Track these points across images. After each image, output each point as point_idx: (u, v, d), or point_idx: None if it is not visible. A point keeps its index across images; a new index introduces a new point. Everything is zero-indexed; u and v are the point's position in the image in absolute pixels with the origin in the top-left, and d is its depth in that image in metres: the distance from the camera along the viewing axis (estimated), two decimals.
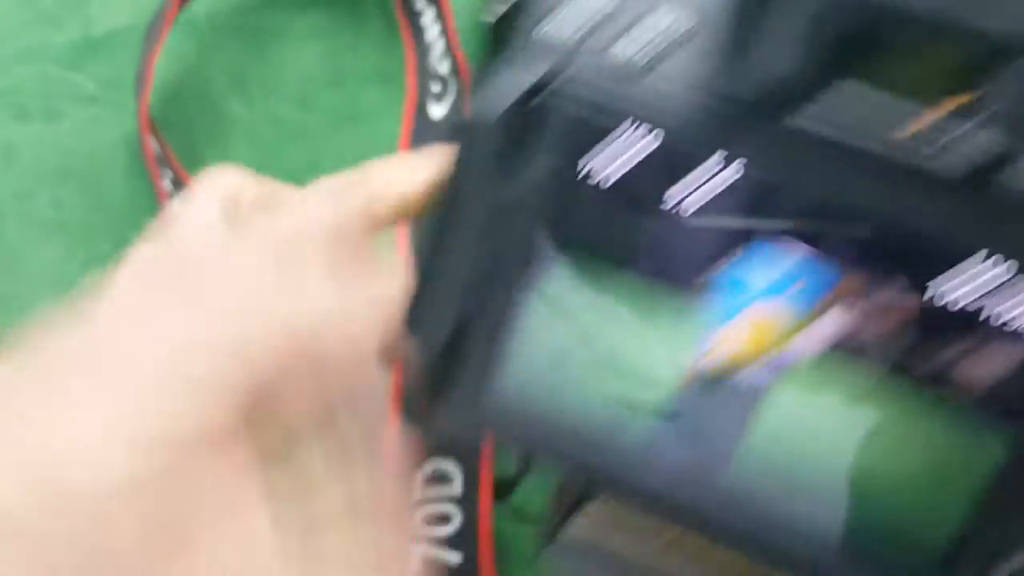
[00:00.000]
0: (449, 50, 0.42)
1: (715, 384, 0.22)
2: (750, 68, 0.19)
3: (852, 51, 0.18)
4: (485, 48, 0.22)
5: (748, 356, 0.22)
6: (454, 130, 0.22)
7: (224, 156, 0.45)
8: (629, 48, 0.20)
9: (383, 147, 0.44)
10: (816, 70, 0.18)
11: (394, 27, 0.44)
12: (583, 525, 0.24)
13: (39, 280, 0.45)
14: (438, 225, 0.23)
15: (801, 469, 0.22)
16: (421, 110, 0.43)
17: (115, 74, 0.44)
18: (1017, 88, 0.17)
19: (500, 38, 0.22)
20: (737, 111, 0.19)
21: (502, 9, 0.22)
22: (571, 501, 0.24)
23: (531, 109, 0.21)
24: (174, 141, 0.45)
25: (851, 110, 0.18)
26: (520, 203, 0.22)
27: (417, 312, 0.24)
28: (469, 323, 0.23)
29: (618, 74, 0.20)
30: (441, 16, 0.42)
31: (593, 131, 0.20)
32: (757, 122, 0.19)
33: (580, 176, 0.21)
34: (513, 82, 0.21)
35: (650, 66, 0.20)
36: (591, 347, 0.23)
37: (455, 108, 0.42)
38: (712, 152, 0.20)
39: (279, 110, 0.45)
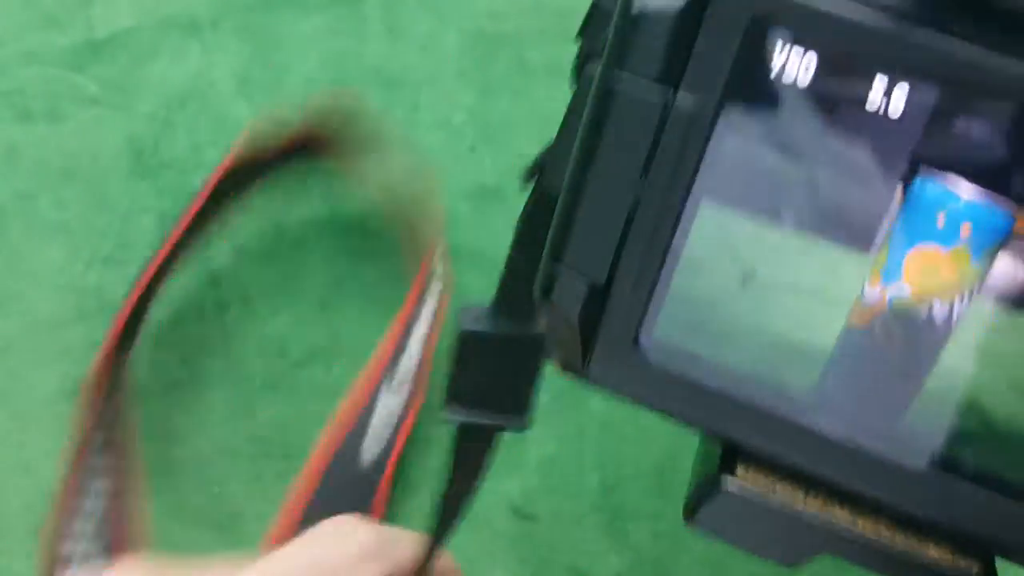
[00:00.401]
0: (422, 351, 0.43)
1: (890, 322, 0.21)
2: None
3: None
4: None
5: (920, 296, 0.21)
6: (616, 29, 0.20)
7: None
8: None
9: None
10: None
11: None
12: (739, 483, 0.22)
13: (41, 280, 0.45)
14: (588, 145, 0.21)
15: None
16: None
17: (117, 76, 0.44)
18: None
19: None
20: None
21: None
22: (723, 460, 0.23)
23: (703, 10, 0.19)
24: (177, 144, 0.45)
25: None
26: (695, 115, 0.20)
27: (572, 249, 0.22)
28: (628, 259, 0.21)
29: None
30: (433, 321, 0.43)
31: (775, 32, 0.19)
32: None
33: (768, 75, 0.19)
34: None
35: None
36: (754, 287, 0.21)
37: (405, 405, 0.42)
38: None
39: (281, 112, 0.45)
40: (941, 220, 0.20)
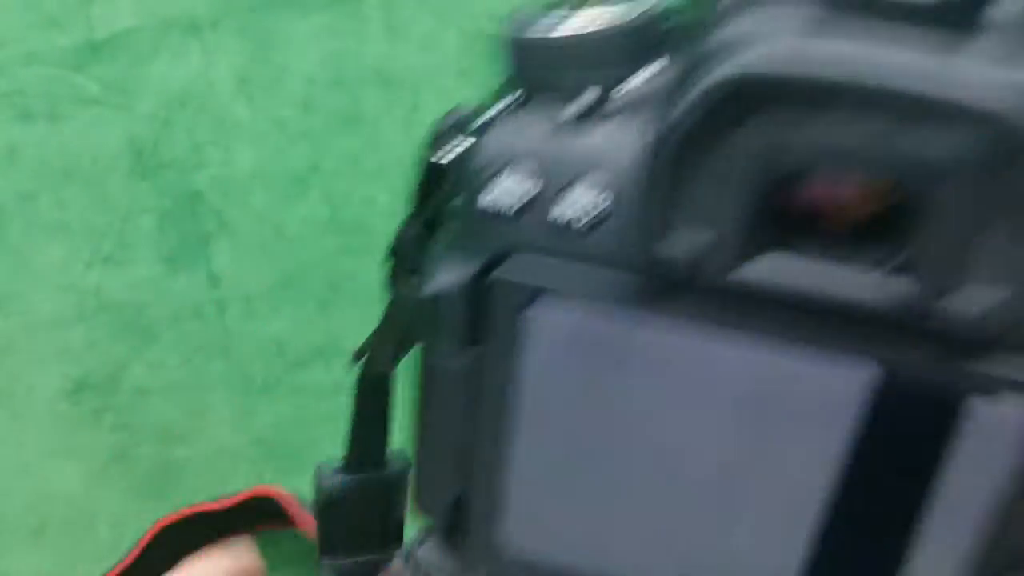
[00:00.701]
0: None
1: None
2: (676, 237, 0.20)
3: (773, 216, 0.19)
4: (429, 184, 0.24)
5: None
6: (417, 308, 0.23)
7: (227, 158, 0.45)
8: (567, 212, 0.21)
9: (383, 148, 0.45)
10: (742, 236, 0.19)
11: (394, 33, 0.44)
12: None
13: (42, 280, 0.45)
14: (421, 406, 0.25)
15: None
16: None
17: (117, 76, 0.44)
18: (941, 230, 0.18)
19: (442, 183, 0.23)
20: (674, 273, 0.20)
21: (449, 156, 0.23)
22: None
23: (488, 280, 0.22)
24: (177, 144, 0.45)
25: (786, 267, 0.20)
26: (492, 367, 0.23)
27: (422, 493, 0.25)
28: (469, 489, 0.25)
29: (562, 236, 0.21)
30: None
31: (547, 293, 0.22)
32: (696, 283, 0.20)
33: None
34: (467, 255, 0.22)
35: (588, 229, 0.21)
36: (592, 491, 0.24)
37: None
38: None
39: (282, 112, 0.45)
40: None
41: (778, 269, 0.19)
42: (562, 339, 0.22)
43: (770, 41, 0.18)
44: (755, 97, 0.18)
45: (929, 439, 0.20)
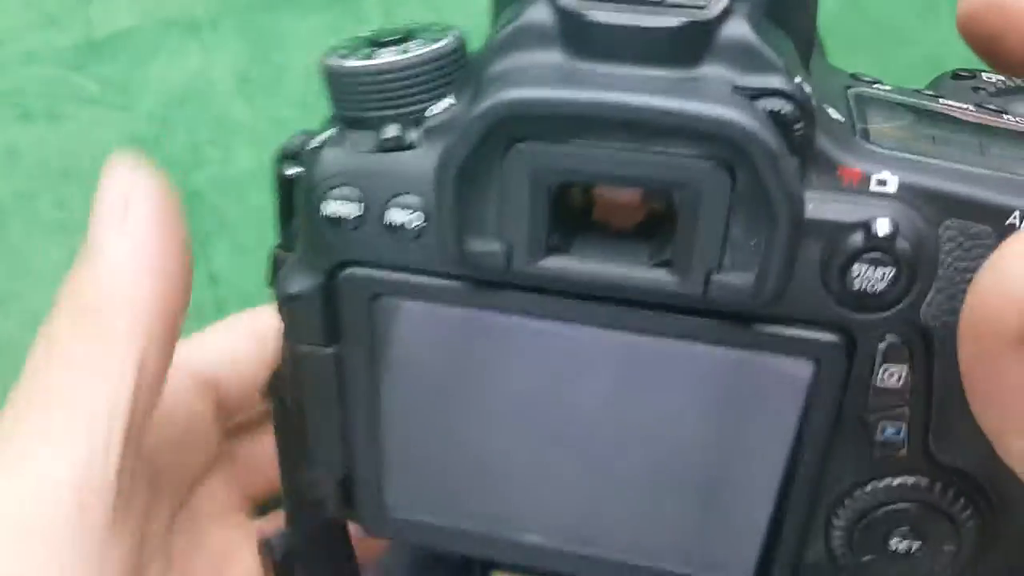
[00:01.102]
0: None
1: None
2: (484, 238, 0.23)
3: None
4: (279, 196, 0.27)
5: None
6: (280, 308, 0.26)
7: (227, 157, 0.45)
8: (394, 223, 0.24)
9: None
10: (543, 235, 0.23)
11: None
12: None
13: (41, 280, 0.45)
14: (298, 396, 0.28)
15: None
16: None
17: (117, 75, 0.44)
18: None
19: (289, 197, 0.27)
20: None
21: (292, 173, 0.26)
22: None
23: (338, 281, 0.25)
24: (177, 144, 0.45)
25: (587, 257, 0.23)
26: (352, 355, 0.26)
27: (312, 471, 0.29)
28: (353, 465, 0.28)
29: (395, 244, 0.24)
30: None
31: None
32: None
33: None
34: (317, 258, 0.25)
35: (413, 238, 0.24)
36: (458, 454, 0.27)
37: None
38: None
39: (281, 112, 0.45)
40: None
41: (565, 266, 0.23)
42: (405, 329, 0.26)
43: (527, 77, 0.21)
44: (516, 125, 0.21)
45: (725, 401, 0.25)
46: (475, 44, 0.24)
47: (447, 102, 0.24)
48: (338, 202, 0.24)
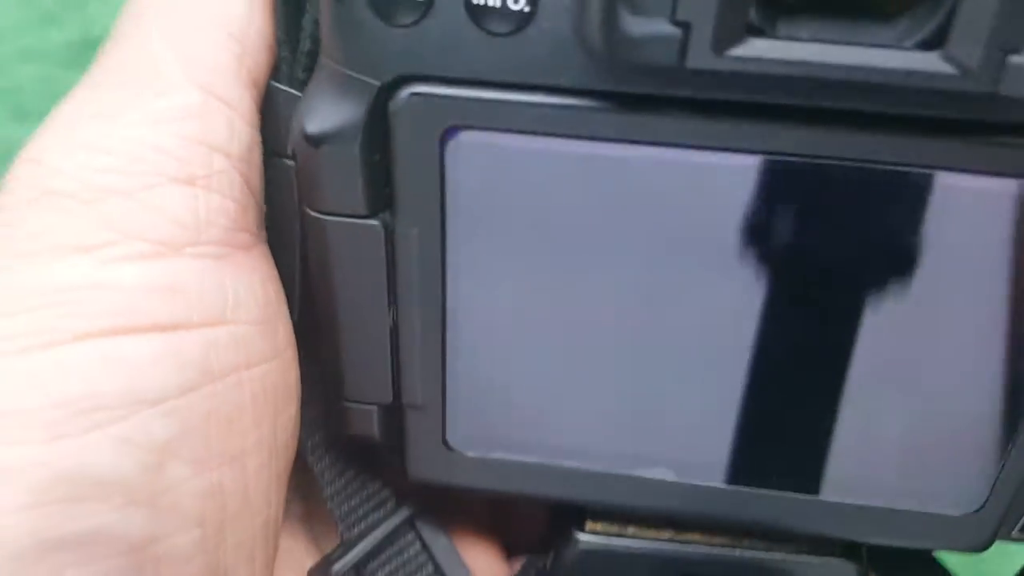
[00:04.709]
0: None
1: None
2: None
3: None
4: None
5: None
6: (298, 156, 0.19)
7: None
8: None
9: None
10: None
11: None
12: (590, 537, 0.23)
13: None
14: (324, 286, 0.20)
15: None
16: None
17: None
18: None
19: None
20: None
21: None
22: (569, 520, 0.23)
23: (388, 108, 0.17)
24: None
25: None
26: (409, 225, 0.19)
27: (349, 385, 0.21)
28: (408, 373, 0.21)
29: (478, 44, 0.17)
30: None
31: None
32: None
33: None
34: (352, 81, 0.17)
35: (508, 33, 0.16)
36: (545, 366, 0.20)
37: None
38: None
39: None
40: None
41: (775, 54, 0.15)
42: (494, 180, 0.18)
43: None
44: None
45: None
46: None
47: None
48: None
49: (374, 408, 0.21)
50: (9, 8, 0.43)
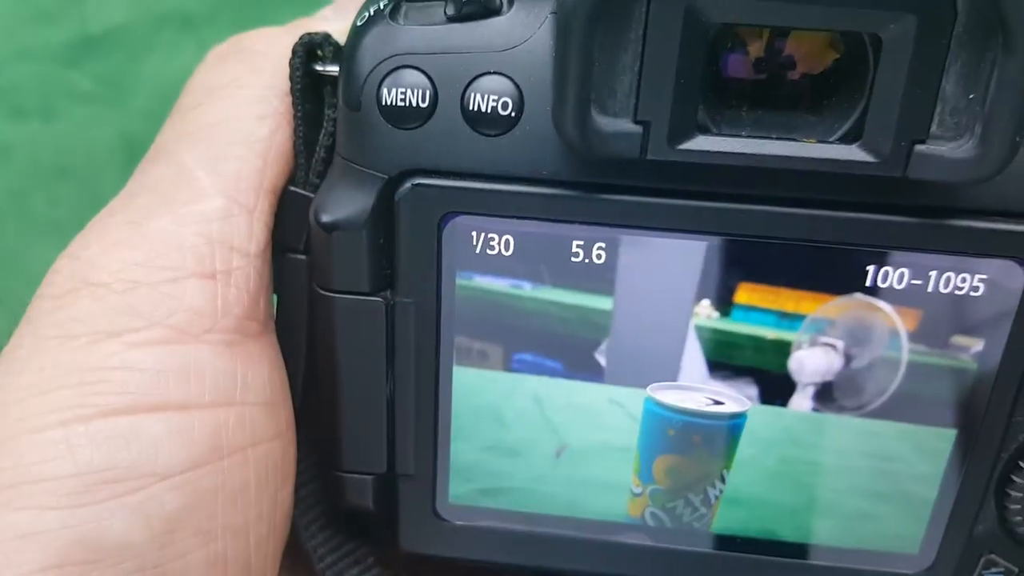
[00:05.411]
0: None
1: (657, 513, 0.24)
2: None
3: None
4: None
5: (674, 492, 0.23)
6: (314, 242, 0.21)
7: None
8: (477, 109, 0.19)
9: None
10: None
11: None
12: None
13: (35, 279, 0.45)
14: (327, 358, 0.22)
15: None
16: None
17: (111, 72, 0.44)
18: None
19: (323, 93, 0.22)
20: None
21: (327, 70, 0.21)
22: None
23: (395, 199, 0.20)
24: None
25: None
26: (409, 303, 0.21)
27: (346, 455, 0.23)
28: (402, 444, 0.23)
29: (473, 143, 0.20)
30: None
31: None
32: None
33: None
34: (362, 175, 0.20)
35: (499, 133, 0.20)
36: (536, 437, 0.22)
37: None
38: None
39: None
40: (672, 434, 0.22)
41: (719, 148, 0.18)
42: (489, 261, 0.20)
43: None
44: None
45: None
46: None
47: None
48: (400, 89, 0.19)
49: (369, 479, 0.23)
50: (3, 5, 0.43)
